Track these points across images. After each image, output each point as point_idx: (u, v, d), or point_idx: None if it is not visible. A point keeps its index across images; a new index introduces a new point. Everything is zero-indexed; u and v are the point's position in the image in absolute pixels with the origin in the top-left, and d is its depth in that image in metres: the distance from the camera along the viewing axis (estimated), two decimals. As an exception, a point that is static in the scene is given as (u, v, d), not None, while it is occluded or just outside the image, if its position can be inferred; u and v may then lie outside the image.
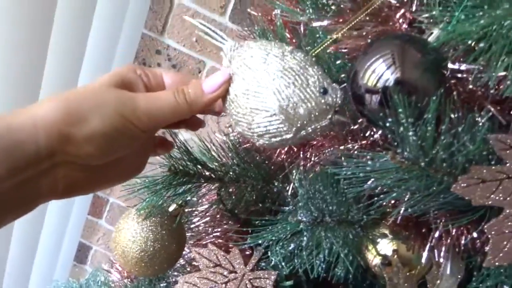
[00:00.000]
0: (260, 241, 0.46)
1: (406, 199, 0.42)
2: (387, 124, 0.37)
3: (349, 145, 0.50)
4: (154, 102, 0.35)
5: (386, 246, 0.48)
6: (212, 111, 0.42)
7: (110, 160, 0.35)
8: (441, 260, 0.46)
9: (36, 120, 0.31)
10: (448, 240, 0.45)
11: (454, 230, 0.45)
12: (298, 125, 0.38)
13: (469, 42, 0.35)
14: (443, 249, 0.46)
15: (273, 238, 0.45)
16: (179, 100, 0.36)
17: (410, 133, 0.36)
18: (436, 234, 0.46)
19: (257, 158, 0.57)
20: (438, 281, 0.46)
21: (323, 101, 0.38)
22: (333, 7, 0.44)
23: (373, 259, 0.48)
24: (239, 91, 0.38)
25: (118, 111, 0.33)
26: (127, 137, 0.35)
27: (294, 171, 0.48)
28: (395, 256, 0.48)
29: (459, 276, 0.47)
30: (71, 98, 0.33)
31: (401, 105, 0.36)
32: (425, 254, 0.46)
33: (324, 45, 0.44)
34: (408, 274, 0.47)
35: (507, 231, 0.36)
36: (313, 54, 0.41)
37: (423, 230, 0.47)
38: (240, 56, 0.39)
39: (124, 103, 0.34)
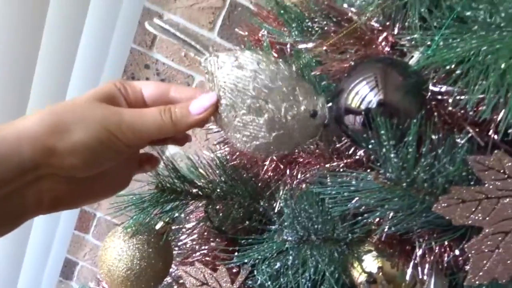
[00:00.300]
0: (246, 260, 0.46)
1: (390, 217, 0.43)
2: (370, 146, 0.38)
3: (334, 163, 0.51)
4: (140, 118, 0.36)
5: (371, 263, 0.49)
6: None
7: (95, 173, 0.36)
8: (425, 277, 0.47)
9: (20, 132, 0.32)
10: (431, 258, 0.46)
11: (437, 248, 0.46)
12: (293, 145, 0.40)
13: (448, 67, 0.36)
14: (427, 266, 0.46)
15: (259, 256, 0.45)
16: (164, 118, 0.36)
17: (392, 155, 0.37)
18: (420, 252, 0.46)
19: (244, 175, 0.57)
20: (422, 298, 0.47)
21: (314, 123, 0.39)
22: (317, 30, 0.45)
23: (359, 277, 0.49)
24: (231, 117, 0.39)
25: (103, 125, 0.34)
26: (111, 151, 0.35)
27: (280, 189, 0.49)
28: (380, 274, 0.49)
29: (443, 293, 0.47)
30: (56, 111, 0.34)
31: (383, 127, 0.37)
32: (409, 271, 0.47)
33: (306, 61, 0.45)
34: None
35: (486, 250, 0.37)
36: (299, 70, 0.42)
37: (407, 248, 0.48)
38: (225, 81, 0.38)
39: (109, 117, 0.34)
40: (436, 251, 0.46)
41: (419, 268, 0.46)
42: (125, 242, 0.49)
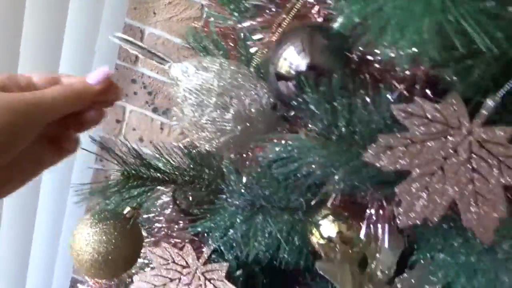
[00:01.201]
0: (200, 229, 0.48)
1: (336, 178, 0.45)
2: (300, 105, 0.41)
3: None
4: (43, 95, 0.38)
5: (329, 228, 0.50)
6: (105, 103, 0.43)
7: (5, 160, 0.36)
8: (379, 235, 0.48)
9: None
10: (383, 214, 0.47)
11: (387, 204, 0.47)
12: (258, 137, 0.44)
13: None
14: (379, 224, 0.48)
15: (212, 225, 0.47)
16: (67, 89, 0.39)
17: (320, 111, 0.39)
18: (373, 211, 0.48)
19: (212, 160, 0.59)
20: (378, 255, 0.48)
21: (276, 115, 0.43)
22: (253, 7, 0.48)
23: (317, 242, 0.50)
24: (198, 116, 0.42)
25: (8, 107, 0.35)
26: (22, 131, 0.36)
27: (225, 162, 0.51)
28: (339, 238, 0.50)
29: (399, 250, 0.48)
30: None
31: (309, 86, 0.39)
32: (363, 231, 0.48)
33: (258, 55, 0.48)
34: (349, 251, 0.49)
35: (416, 192, 0.38)
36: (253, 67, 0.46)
37: (360, 208, 0.49)
38: (191, 83, 0.43)
39: (12, 100, 0.36)
40: (387, 207, 0.47)
41: (372, 226, 0.48)
42: (92, 228, 0.51)
